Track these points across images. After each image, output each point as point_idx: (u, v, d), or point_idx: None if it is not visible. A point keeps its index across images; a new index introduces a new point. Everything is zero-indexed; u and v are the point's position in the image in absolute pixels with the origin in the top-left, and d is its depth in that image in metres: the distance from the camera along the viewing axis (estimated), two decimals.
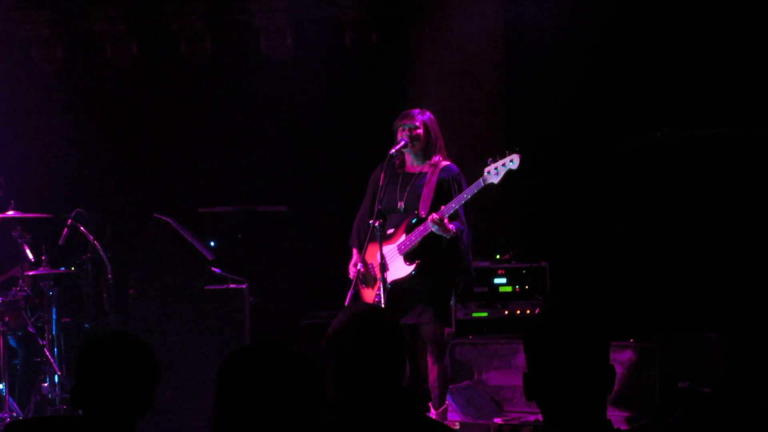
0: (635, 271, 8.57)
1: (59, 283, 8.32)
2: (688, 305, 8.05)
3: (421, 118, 6.83)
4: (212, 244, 9.08)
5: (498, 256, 8.61)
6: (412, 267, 6.71)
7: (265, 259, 9.61)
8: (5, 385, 7.87)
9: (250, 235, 9.50)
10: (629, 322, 8.05)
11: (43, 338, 8.16)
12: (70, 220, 8.21)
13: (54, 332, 8.20)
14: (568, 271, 8.92)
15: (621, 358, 7.43)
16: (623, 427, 7.07)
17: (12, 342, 8.23)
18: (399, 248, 6.75)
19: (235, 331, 8.01)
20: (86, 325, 8.65)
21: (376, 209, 6.59)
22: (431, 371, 6.77)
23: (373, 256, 6.69)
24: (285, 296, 9.60)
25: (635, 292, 8.55)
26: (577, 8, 9.15)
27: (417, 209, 6.75)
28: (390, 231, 6.79)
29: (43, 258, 8.17)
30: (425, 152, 6.84)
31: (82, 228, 8.23)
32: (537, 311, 8.25)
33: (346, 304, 6.52)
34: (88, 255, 8.40)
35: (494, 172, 6.54)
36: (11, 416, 7.74)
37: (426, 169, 6.83)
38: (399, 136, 6.80)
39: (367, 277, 6.82)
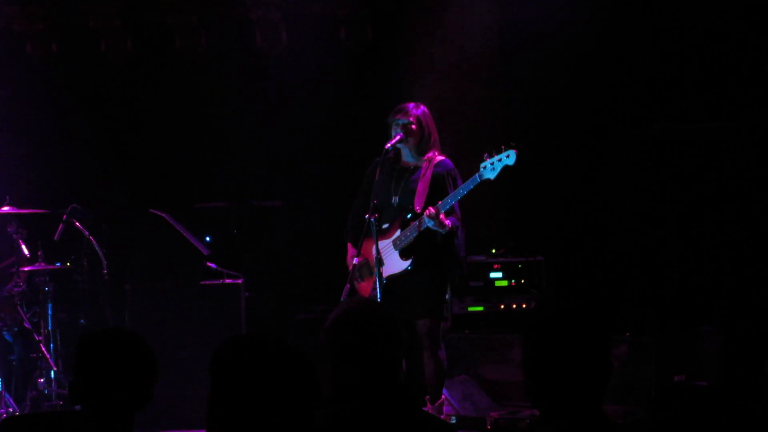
0: (631, 265, 8.58)
1: (55, 279, 8.31)
2: (684, 299, 8.06)
3: (415, 112, 6.83)
4: (208, 239, 9.08)
5: (494, 251, 8.62)
6: (408, 262, 6.71)
7: (260, 254, 9.61)
8: (1, 381, 7.87)
9: (246, 230, 9.50)
10: (625, 316, 8.06)
11: (39, 334, 8.15)
12: (65, 216, 8.20)
13: (50, 328, 8.19)
14: (563, 266, 8.93)
15: (617, 352, 7.45)
16: (619, 420, 7.08)
17: (8, 337, 8.22)
18: (394, 243, 6.75)
19: (230, 325, 8.03)
20: (82, 321, 8.64)
21: (371, 204, 6.59)
22: (427, 365, 6.76)
23: (368, 250, 6.69)
24: (281, 291, 9.60)
25: (631, 286, 8.56)
26: (572, 2, 9.15)
27: (411, 204, 6.75)
28: (385, 226, 6.79)
29: (39, 253, 8.17)
30: (419, 147, 6.84)
31: (77, 224, 8.22)
32: (535, 306, 8.25)
33: (342, 298, 6.52)
34: (84, 250, 8.38)
35: (490, 167, 6.54)
36: (7, 412, 7.73)
37: (420, 164, 6.83)
38: (393, 131, 6.80)
39: (363, 271, 6.82)
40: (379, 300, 6.46)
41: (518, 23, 9.50)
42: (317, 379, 2.62)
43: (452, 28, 9.33)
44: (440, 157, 6.86)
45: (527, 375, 2.96)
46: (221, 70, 10.14)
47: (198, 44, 10.07)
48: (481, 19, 9.37)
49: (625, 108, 9.16)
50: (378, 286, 6.53)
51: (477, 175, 6.56)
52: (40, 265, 8.16)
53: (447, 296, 6.90)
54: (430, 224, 6.55)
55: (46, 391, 8.03)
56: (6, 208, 8.17)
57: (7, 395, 7.88)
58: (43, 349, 8.08)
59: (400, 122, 6.80)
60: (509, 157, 6.53)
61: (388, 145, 6.73)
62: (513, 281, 8.48)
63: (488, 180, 6.57)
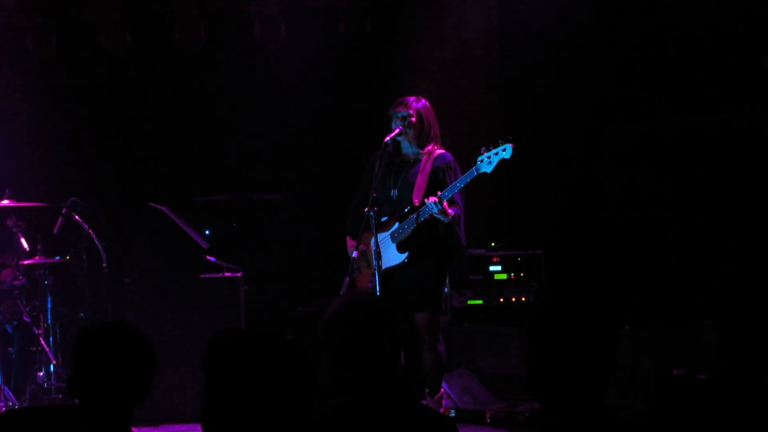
0: (630, 258, 8.59)
1: (54, 272, 8.31)
2: (684, 292, 8.07)
3: (415, 105, 6.82)
4: (207, 232, 9.08)
5: (493, 244, 8.62)
6: (405, 255, 6.71)
7: (260, 248, 9.60)
8: (1, 375, 7.87)
9: (245, 223, 9.50)
10: (624, 309, 8.07)
11: (38, 327, 8.16)
12: (65, 209, 8.20)
13: (49, 321, 8.19)
14: (563, 259, 8.93)
15: (616, 345, 7.44)
16: (619, 414, 7.09)
17: (9, 329, 8.22)
18: (392, 236, 6.75)
19: (230, 319, 8.03)
20: (81, 314, 8.64)
21: (370, 197, 6.58)
22: (426, 359, 6.76)
23: (367, 243, 6.69)
24: (280, 284, 9.60)
25: (630, 279, 8.57)
26: None
27: (410, 197, 6.75)
28: (384, 219, 6.78)
29: (39, 247, 8.17)
30: (419, 140, 6.84)
31: (77, 217, 8.22)
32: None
33: (341, 291, 6.52)
34: (83, 244, 8.39)
35: (487, 161, 6.53)
36: (7, 405, 7.74)
37: (420, 157, 6.83)
38: (393, 124, 6.80)
39: (361, 263, 6.82)
40: (378, 293, 6.46)
41: (517, 16, 9.50)
42: (313, 372, 2.62)
43: (451, 21, 9.33)
44: (440, 151, 6.86)
45: (529, 368, 2.96)
46: (220, 64, 10.14)
47: (197, 38, 10.06)
48: (480, 12, 9.37)
49: (623, 102, 9.15)
50: (377, 278, 6.53)
51: (474, 168, 6.55)
52: (39, 259, 8.16)
53: (446, 289, 6.90)
54: (435, 210, 6.52)
55: (45, 385, 8.04)
56: (5, 202, 8.17)
57: (6, 389, 7.88)
58: (43, 342, 8.08)
59: (400, 115, 6.80)
60: (506, 151, 6.52)
61: (388, 138, 6.72)
62: (512, 274, 8.48)
63: (485, 173, 6.57)
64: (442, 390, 6.92)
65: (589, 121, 9.34)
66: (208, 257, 8.25)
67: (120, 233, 8.91)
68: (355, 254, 6.70)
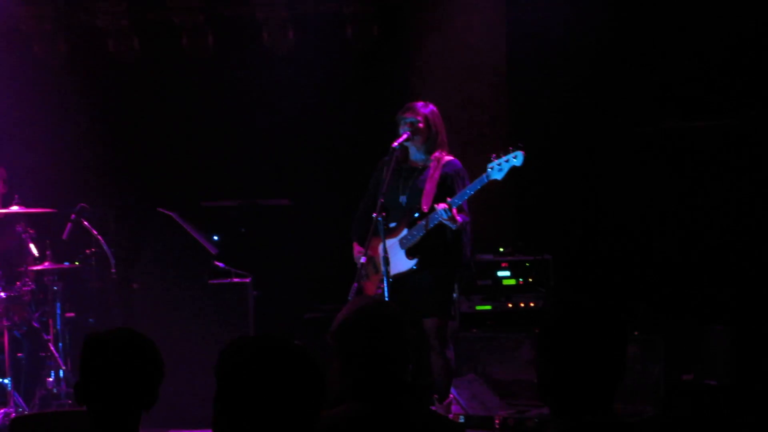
0: (639, 263, 8.57)
1: (63, 278, 8.32)
2: (693, 297, 8.06)
3: (423, 111, 6.82)
4: (215, 238, 9.09)
5: (501, 249, 8.61)
6: (414, 261, 6.71)
7: (268, 253, 9.61)
8: (10, 380, 7.89)
9: (254, 228, 9.51)
10: (633, 314, 8.05)
11: (47, 333, 8.17)
12: (74, 215, 8.22)
13: (58, 327, 8.20)
14: (571, 264, 8.92)
15: None
16: (628, 419, 7.07)
17: (17, 334, 8.23)
18: (401, 242, 6.74)
19: (238, 324, 8.04)
20: (91, 320, 8.66)
21: (378, 203, 6.58)
22: (435, 365, 6.77)
23: (375, 249, 6.69)
24: (288, 290, 9.60)
25: (639, 284, 8.55)
26: (578, 0, 9.14)
27: (419, 204, 6.75)
28: (392, 225, 6.78)
29: (48, 253, 8.18)
30: (427, 146, 6.84)
31: (85, 223, 8.24)
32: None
33: (349, 297, 6.52)
34: (92, 250, 8.40)
35: (497, 168, 6.53)
36: (17, 411, 7.75)
37: (429, 163, 6.83)
38: (401, 129, 6.80)
39: (369, 269, 6.82)
40: (386, 299, 6.46)
41: (524, 21, 9.49)
42: (324, 379, 2.62)
43: (458, 26, 9.32)
44: (448, 157, 6.85)
45: (540, 372, 2.96)
46: (228, 70, 10.15)
47: (205, 43, 10.08)
48: (487, 16, 9.36)
49: (634, 106, 9.15)
50: (385, 284, 6.53)
51: (484, 175, 6.55)
52: (48, 265, 8.18)
53: (454, 295, 6.90)
54: (444, 217, 6.53)
55: (54, 390, 8.04)
56: (14, 208, 8.19)
57: (16, 394, 7.89)
58: (52, 348, 8.10)
59: (408, 120, 6.80)
60: (516, 158, 6.52)
61: (395, 143, 6.72)
62: (521, 280, 8.46)
63: (495, 180, 6.58)
64: (451, 396, 6.92)
65: (597, 126, 9.33)
66: (217, 263, 8.26)
67: (129, 239, 8.92)
68: (363, 260, 6.70)
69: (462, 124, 8.95)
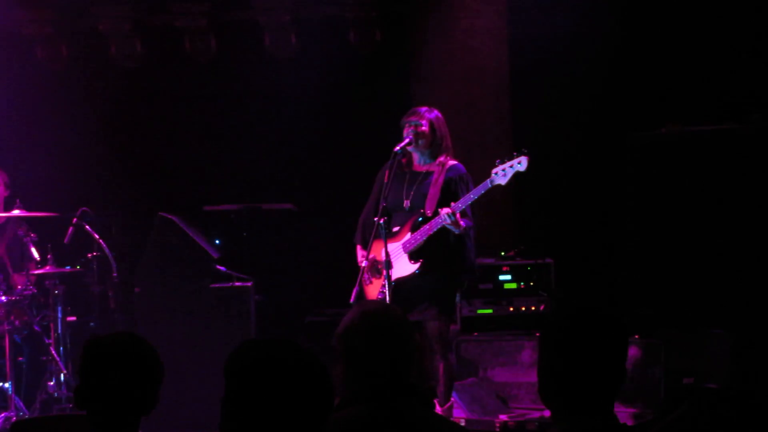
0: (640, 267, 8.57)
1: (65, 282, 8.32)
2: (693, 301, 8.05)
3: (428, 116, 6.83)
4: (217, 242, 9.09)
5: (503, 253, 8.61)
6: (417, 265, 6.71)
7: (270, 257, 9.62)
8: (11, 384, 7.89)
9: (256, 233, 9.52)
10: (634, 318, 8.05)
11: (48, 337, 8.17)
12: (75, 219, 8.22)
13: (60, 331, 8.20)
14: (573, 268, 8.92)
15: None
16: (629, 422, 7.07)
17: (17, 339, 8.24)
18: (404, 246, 6.75)
19: (240, 328, 8.03)
20: (92, 324, 8.65)
21: (381, 207, 6.59)
22: (437, 368, 6.77)
23: (377, 253, 6.70)
24: (290, 294, 9.61)
25: (640, 288, 8.55)
26: (581, 5, 9.14)
27: (423, 208, 6.76)
28: (395, 229, 6.79)
29: (49, 257, 8.18)
30: (431, 151, 6.85)
31: (87, 226, 8.24)
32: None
33: (351, 301, 6.52)
34: (94, 253, 8.40)
35: (501, 174, 6.55)
36: (17, 415, 7.75)
37: (433, 168, 6.83)
38: (405, 133, 6.81)
39: (371, 273, 6.82)
40: (388, 302, 6.46)
41: (527, 26, 9.50)
42: (331, 383, 2.63)
43: (461, 31, 9.32)
44: (452, 162, 6.86)
45: (541, 375, 2.96)
46: (231, 74, 10.17)
47: (207, 48, 10.10)
48: (489, 21, 9.36)
49: (635, 110, 9.15)
50: (387, 288, 6.54)
51: (488, 180, 6.56)
52: (50, 268, 8.18)
53: (456, 299, 6.90)
54: (448, 222, 6.54)
55: (55, 394, 8.04)
56: (16, 212, 8.20)
57: (17, 398, 7.89)
58: (53, 352, 8.09)
59: (412, 124, 6.81)
60: (521, 164, 6.54)
61: (398, 147, 6.73)
62: (522, 284, 8.46)
63: (499, 185, 6.59)
64: (452, 399, 6.92)
65: (599, 130, 9.34)
66: (219, 267, 8.26)
67: (130, 243, 8.93)
68: (365, 264, 6.71)
69: (464, 129, 8.95)
